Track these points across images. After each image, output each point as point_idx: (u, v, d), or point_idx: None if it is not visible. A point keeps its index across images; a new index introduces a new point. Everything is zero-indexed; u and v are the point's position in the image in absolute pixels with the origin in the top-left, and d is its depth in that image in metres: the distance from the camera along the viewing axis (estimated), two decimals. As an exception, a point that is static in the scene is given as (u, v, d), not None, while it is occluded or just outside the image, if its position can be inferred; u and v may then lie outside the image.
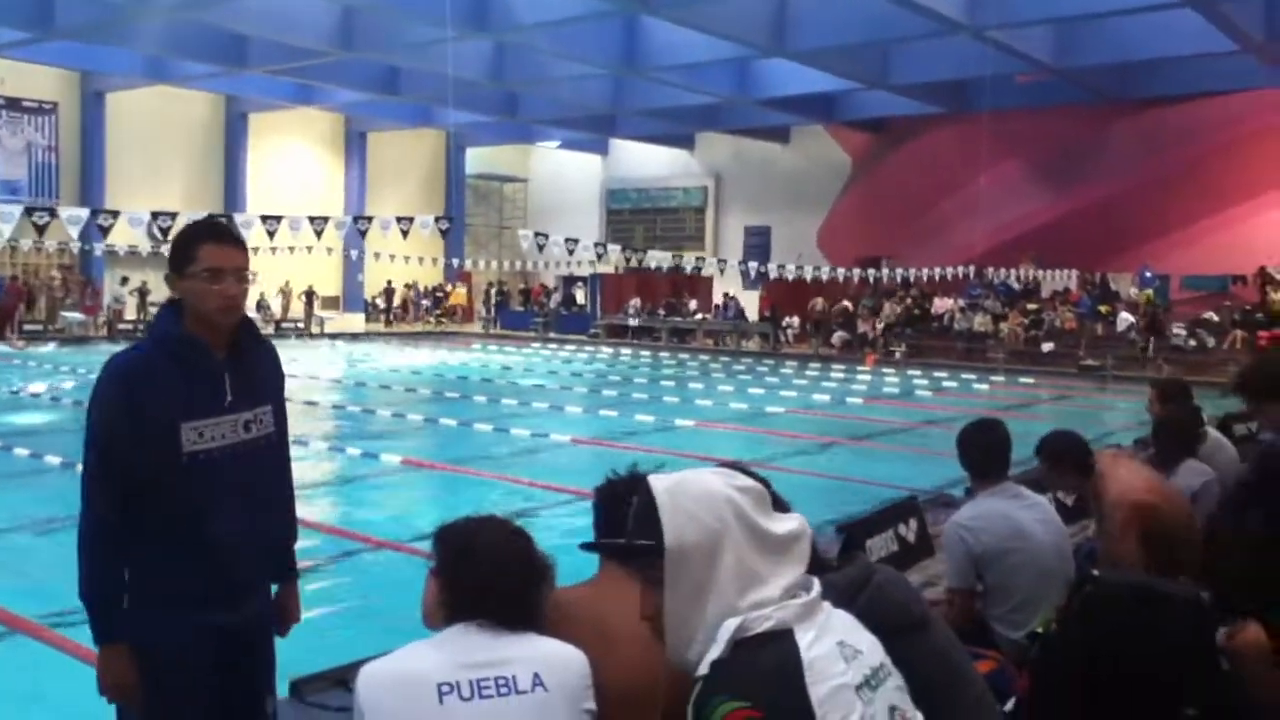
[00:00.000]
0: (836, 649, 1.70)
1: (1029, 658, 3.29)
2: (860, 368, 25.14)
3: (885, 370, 24.54)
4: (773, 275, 28.43)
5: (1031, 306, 28.17)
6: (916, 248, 29.84)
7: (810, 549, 1.84)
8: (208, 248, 2.72)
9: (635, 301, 33.55)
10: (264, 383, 2.91)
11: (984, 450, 4.09)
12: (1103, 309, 26.71)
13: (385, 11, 21.09)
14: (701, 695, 1.65)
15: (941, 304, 29.40)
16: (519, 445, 12.41)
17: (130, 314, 29.51)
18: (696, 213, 38.62)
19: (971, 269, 27.74)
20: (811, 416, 15.81)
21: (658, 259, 25.56)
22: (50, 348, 24.89)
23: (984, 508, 3.96)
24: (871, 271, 28.41)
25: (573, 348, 29.84)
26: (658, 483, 1.79)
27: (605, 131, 35.14)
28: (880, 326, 28.62)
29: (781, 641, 1.68)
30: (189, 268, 2.71)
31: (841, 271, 27.50)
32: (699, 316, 32.80)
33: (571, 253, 22.17)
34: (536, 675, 2.19)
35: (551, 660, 2.24)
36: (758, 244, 35.65)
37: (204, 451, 2.72)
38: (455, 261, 34.82)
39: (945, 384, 21.50)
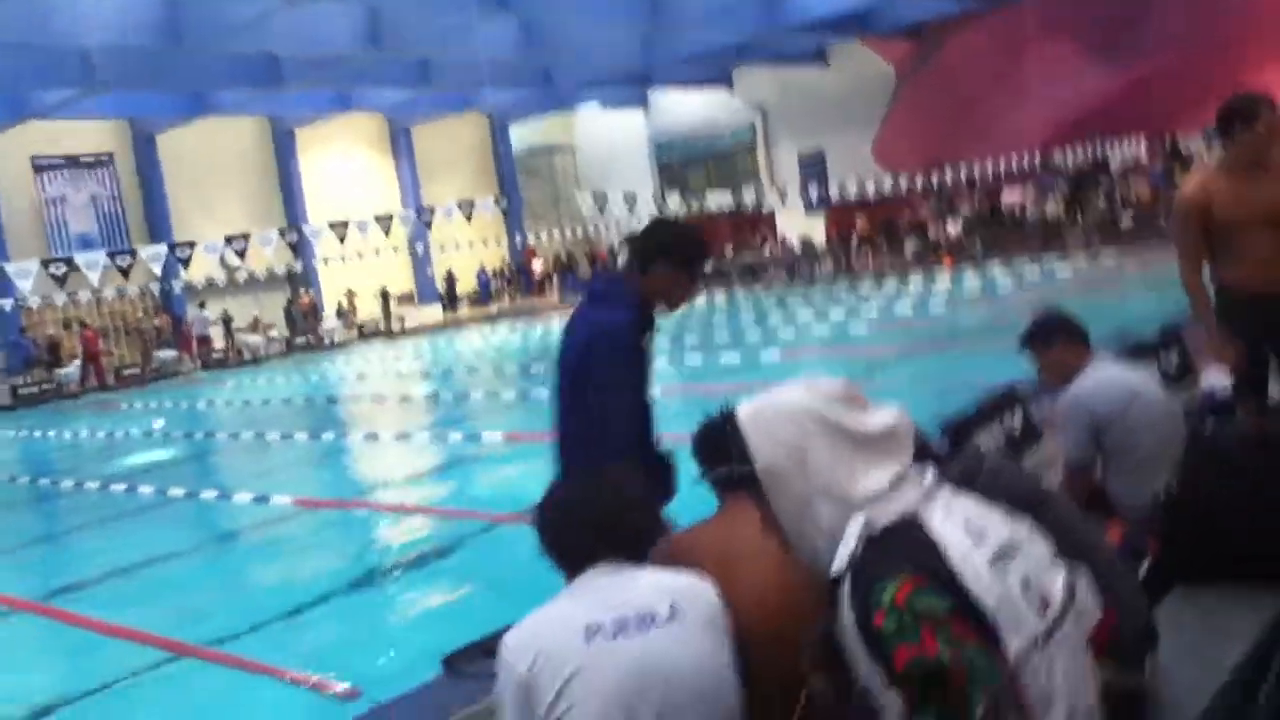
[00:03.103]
0: (963, 526, 1.73)
1: (1155, 519, 3.29)
2: (938, 273, 24.81)
3: (964, 271, 24.18)
4: (834, 198, 28.07)
5: (1103, 183, 27.44)
6: (976, 145, 29.16)
7: (913, 439, 1.86)
8: (704, 262, 3.60)
9: (701, 248, 33.38)
10: None
11: (1060, 333, 4.12)
12: (1177, 174, 25.89)
13: (409, 6, 21.18)
14: (861, 589, 1.67)
15: (1010, 196, 28.79)
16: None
17: (219, 343, 30.22)
18: (747, 151, 38.21)
19: (1036, 155, 27.06)
20: (896, 329, 15.69)
21: (716, 200, 25.41)
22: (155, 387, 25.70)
23: (1094, 376, 3.98)
24: (934, 176, 27.90)
25: (647, 304, 29.79)
26: (743, 410, 1.86)
27: (643, 85, 34.91)
28: (953, 229, 28.14)
29: (911, 529, 1.71)
30: (689, 268, 3.50)
31: (904, 181, 27.05)
32: (767, 253, 32.57)
33: (631, 210, 22.14)
34: (673, 605, 2.24)
35: (683, 589, 2.30)
36: (813, 171, 35.15)
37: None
38: (519, 239, 35.03)
39: (1027, 275, 21.14)
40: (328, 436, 13.40)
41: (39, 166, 29.94)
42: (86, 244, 29.28)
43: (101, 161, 31.17)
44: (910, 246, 28.91)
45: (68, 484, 12.27)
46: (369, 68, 25.40)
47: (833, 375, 1.95)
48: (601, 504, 2.41)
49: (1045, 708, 1.64)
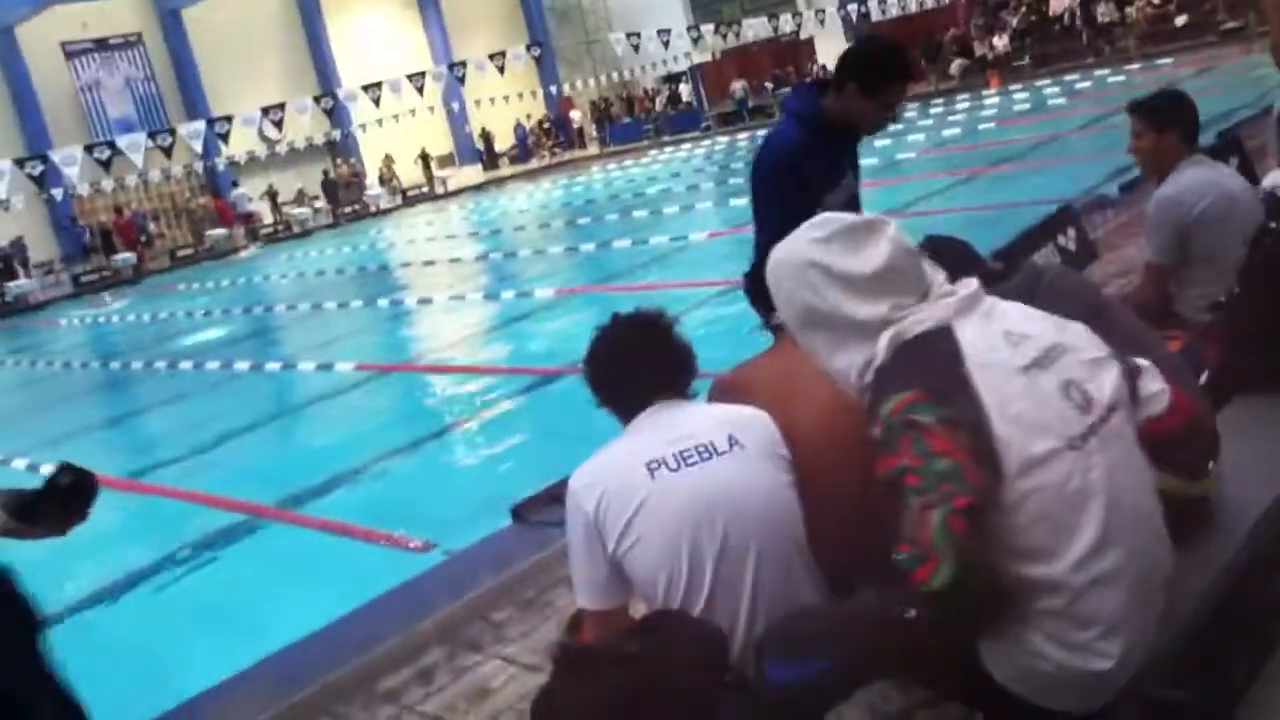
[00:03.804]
0: (1001, 336, 1.74)
1: (1216, 326, 3.22)
2: (986, 91, 24.06)
3: (1013, 88, 23.42)
4: (875, 17, 27.06)
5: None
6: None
7: (919, 269, 1.82)
8: (899, 88, 3.46)
9: (740, 84, 32.58)
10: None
11: (1182, 119, 3.82)
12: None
13: None
14: (873, 400, 1.72)
15: (1058, 3, 27.55)
16: (660, 252, 12.51)
17: (267, 218, 30.36)
18: (782, -26, 36.74)
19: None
20: (945, 153, 15.36)
21: (754, 28, 24.56)
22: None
23: (1190, 175, 3.76)
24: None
25: (689, 146, 29.40)
26: (769, 260, 1.90)
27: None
28: (1000, 43, 27.09)
29: (939, 337, 1.73)
30: (881, 94, 3.37)
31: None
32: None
33: (667, 45, 21.58)
34: (731, 436, 2.28)
35: (739, 420, 2.34)
36: (853, -10, 33.80)
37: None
38: (553, 89, 34.38)
39: (1078, 87, 20.44)
40: (383, 303, 13.55)
41: (70, 53, 29.79)
42: (127, 127, 29.28)
43: (130, 42, 30.91)
44: (956, 64, 27.93)
45: (137, 365, 12.58)
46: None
47: (878, 205, 1.92)
48: (645, 344, 2.43)
49: (1081, 504, 1.66)
